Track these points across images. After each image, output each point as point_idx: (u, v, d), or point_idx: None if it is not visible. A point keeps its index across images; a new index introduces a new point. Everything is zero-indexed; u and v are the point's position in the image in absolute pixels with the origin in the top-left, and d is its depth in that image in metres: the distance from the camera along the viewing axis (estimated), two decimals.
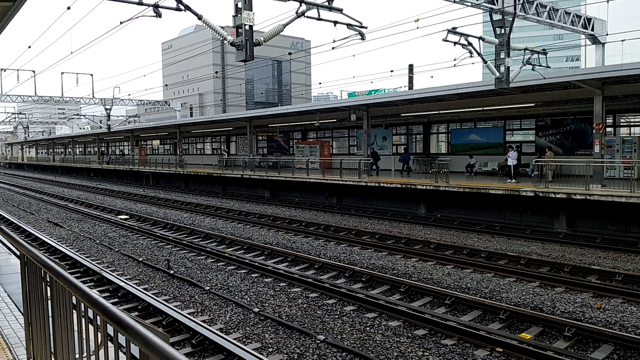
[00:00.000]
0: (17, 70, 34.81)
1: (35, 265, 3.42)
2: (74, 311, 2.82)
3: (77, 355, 2.85)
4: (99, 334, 2.41)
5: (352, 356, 6.73)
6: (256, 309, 8.60)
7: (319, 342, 7.17)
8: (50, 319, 3.13)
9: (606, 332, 7.22)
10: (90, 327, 2.58)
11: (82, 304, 2.54)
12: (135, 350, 1.92)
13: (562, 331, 7.40)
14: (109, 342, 2.56)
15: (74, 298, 2.75)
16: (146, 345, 1.74)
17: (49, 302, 3.16)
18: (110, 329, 2.19)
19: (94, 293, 2.40)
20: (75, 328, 2.77)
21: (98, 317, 2.33)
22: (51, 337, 3.16)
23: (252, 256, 12.88)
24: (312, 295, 9.48)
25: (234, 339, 6.92)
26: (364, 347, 7.06)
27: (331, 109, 27.02)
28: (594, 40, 21.45)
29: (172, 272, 11.25)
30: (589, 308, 8.60)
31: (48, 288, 3.20)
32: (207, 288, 9.97)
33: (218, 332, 7.04)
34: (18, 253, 4.14)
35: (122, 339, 2.04)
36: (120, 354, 2.19)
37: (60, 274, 2.79)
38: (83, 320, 2.63)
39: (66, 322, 2.91)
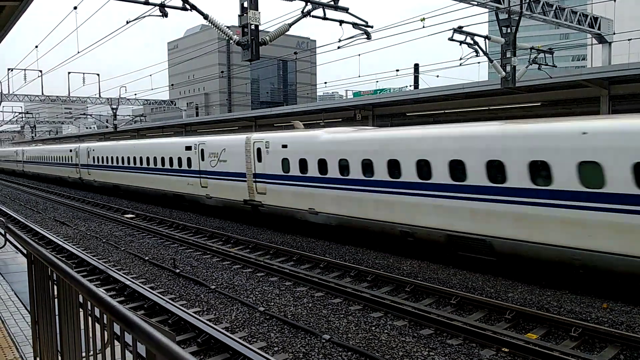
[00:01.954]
0: (24, 70, 34.74)
1: (42, 263, 3.43)
2: (81, 310, 2.83)
3: (83, 354, 2.86)
4: (106, 333, 2.42)
5: (358, 355, 6.73)
6: (261, 308, 8.62)
7: (324, 341, 7.18)
8: (57, 317, 3.14)
9: (612, 333, 7.19)
10: (97, 326, 2.59)
11: (89, 303, 2.54)
12: (141, 348, 1.92)
13: (568, 331, 7.37)
14: (115, 341, 2.57)
15: (80, 297, 2.76)
16: (153, 345, 1.74)
17: (56, 300, 3.17)
18: (116, 328, 2.19)
19: (101, 291, 2.41)
20: (82, 326, 2.78)
21: (104, 316, 2.33)
22: (57, 335, 3.17)
23: (258, 255, 12.90)
24: (318, 295, 9.48)
25: (240, 338, 6.93)
26: (369, 346, 7.06)
27: (336, 109, 26.99)
28: (601, 39, 21.32)
29: (177, 271, 11.28)
30: (595, 308, 8.56)
31: (55, 286, 3.21)
32: (213, 287, 10.00)
33: (224, 331, 7.06)
34: (25, 252, 4.16)
35: (128, 338, 2.05)
36: (127, 352, 2.20)
37: (67, 272, 2.80)
38: (89, 318, 2.64)
39: (72, 321, 2.92)
